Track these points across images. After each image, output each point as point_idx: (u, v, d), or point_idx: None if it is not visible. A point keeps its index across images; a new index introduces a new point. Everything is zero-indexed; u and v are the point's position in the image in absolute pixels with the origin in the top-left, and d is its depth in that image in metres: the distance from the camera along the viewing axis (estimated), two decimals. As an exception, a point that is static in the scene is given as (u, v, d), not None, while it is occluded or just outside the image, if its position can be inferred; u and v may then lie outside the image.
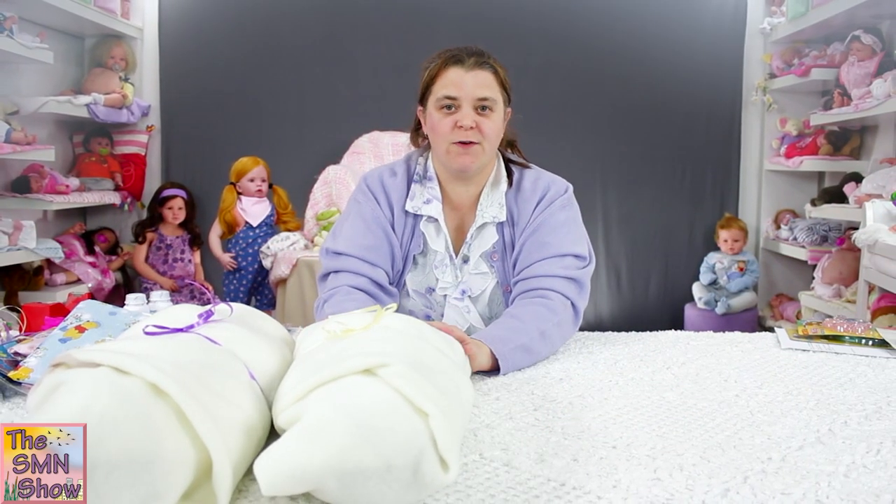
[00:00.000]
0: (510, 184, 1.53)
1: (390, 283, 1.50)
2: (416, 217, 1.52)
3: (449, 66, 1.43)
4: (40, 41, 2.97)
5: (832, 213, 3.22)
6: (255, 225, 3.45)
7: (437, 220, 1.51)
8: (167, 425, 0.71)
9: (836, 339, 1.48)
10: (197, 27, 3.80)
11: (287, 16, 3.77)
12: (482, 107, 1.42)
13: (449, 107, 1.43)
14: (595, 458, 0.89)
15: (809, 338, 1.49)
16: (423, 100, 1.49)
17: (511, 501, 0.78)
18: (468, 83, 1.41)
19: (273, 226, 3.50)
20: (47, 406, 0.71)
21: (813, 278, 3.35)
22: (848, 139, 3.51)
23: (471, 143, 1.43)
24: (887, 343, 1.44)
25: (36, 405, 0.77)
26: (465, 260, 1.53)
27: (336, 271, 1.48)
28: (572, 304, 1.44)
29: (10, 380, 1.10)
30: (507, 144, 1.59)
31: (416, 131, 1.57)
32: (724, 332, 1.60)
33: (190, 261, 3.60)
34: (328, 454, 0.70)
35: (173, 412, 0.72)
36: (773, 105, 3.83)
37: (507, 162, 1.56)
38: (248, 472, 0.80)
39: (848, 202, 3.08)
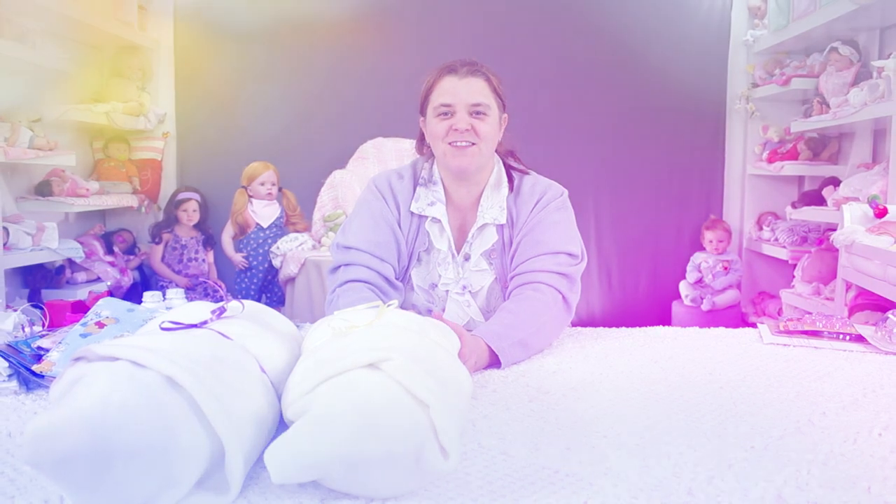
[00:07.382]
0: (511, 188, 1.54)
1: (396, 278, 1.51)
2: (421, 218, 1.54)
3: (444, 75, 1.47)
4: (62, 52, 2.96)
5: (812, 215, 3.21)
6: (265, 226, 3.45)
7: (440, 220, 1.52)
8: (182, 416, 0.71)
9: (815, 334, 1.48)
10: (210, 39, 3.79)
11: (295, 30, 3.77)
12: (476, 111, 1.44)
13: (445, 113, 1.45)
14: (587, 446, 0.89)
15: (790, 333, 1.49)
16: (423, 110, 1.52)
17: (508, 488, 0.78)
18: (462, 90, 1.44)
19: (282, 227, 3.51)
20: (69, 398, 0.71)
21: (793, 277, 3.35)
22: (826, 145, 3.50)
23: (467, 145, 1.44)
24: (864, 338, 1.44)
25: (58, 397, 0.77)
26: (467, 258, 1.54)
27: (346, 264, 1.49)
28: (563, 297, 1.45)
29: (33, 373, 1.10)
30: (507, 154, 1.60)
31: (421, 141, 1.59)
32: (709, 327, 1.60)
33: (204, 260, 3.60)
34: (335, 444, 0.70)
35: (188, 404, 0.72)
36: (756, 113, 3.82)
37: (508, 168, 1.57)
38: (259, 461, 0.80)
39: (827, 205, 3.08)
